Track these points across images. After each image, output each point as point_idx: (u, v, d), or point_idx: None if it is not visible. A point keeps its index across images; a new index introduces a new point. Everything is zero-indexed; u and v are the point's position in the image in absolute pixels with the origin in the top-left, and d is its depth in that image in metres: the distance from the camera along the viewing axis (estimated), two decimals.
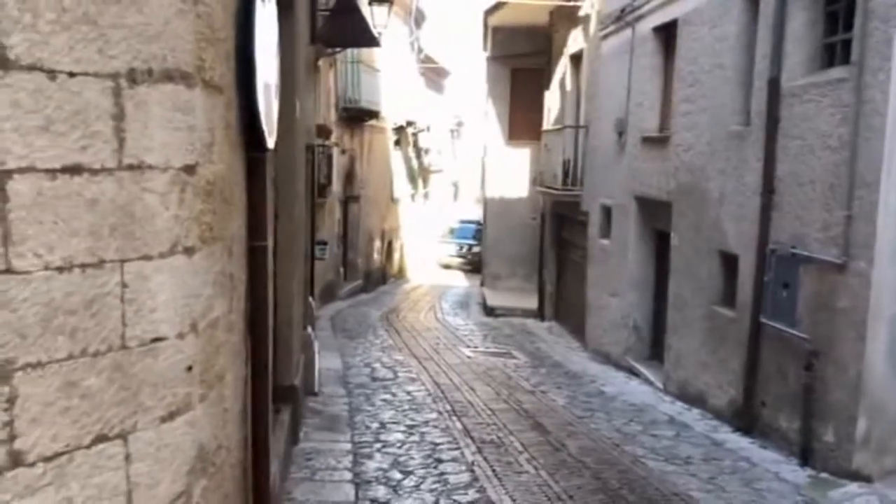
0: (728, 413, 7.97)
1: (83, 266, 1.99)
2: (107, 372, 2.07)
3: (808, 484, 6.00)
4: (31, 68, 1.85)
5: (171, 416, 2.25)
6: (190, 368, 2.32)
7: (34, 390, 1.92)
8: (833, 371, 6.17)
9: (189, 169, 2.26)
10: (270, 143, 3.14)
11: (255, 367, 3.22)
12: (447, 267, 29.05)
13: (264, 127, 2.95)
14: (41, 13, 1.85)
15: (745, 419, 7.55)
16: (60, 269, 1.95)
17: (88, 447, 2.05)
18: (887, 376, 5.71)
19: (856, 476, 5.82)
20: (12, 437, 1.89)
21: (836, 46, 6.63)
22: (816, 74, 6.73)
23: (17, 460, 1.91)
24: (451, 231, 31.31)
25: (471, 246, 28.83)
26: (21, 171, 1.85)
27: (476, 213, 30.61)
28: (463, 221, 31.49)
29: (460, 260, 29.29)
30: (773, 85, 7.18)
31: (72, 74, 1.93)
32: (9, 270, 1.86)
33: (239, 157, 2.88)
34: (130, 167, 2.08)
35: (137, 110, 2.08)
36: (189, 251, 2.29)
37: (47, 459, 1.97)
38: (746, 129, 7.79)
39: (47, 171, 1.90)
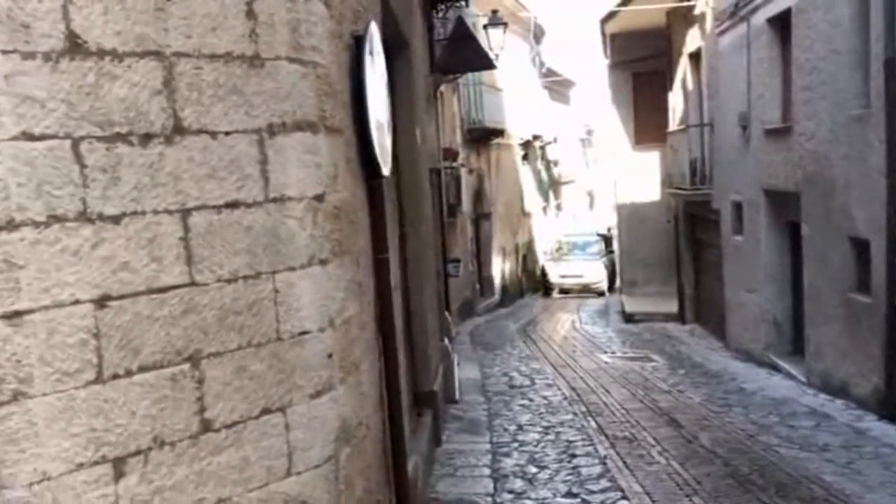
0: (872, 401, 7.77)
1: (245, 277, 2.61)
2: (267, 359, 2.67)
3: None
4: (200, 132, 2.49)
5: (318, 394, 2.82)
6: (330, 356, 2.89)
7: (216, 373, 2.54)
8: None
9: (319, 197, 2.84)
10: (385, 171, 3.71)
11: (386, 359, 3.78)
12: (565, 292, 23.93)
13: (379, 158, 3.52)
14: (204, 91, 2.49)
15: (890, 406, 7.37)
16: (229, 281, 2.57)
17: (257, 417, 2.65)
18: None
19: None
20: (203, 409, 2.52)
21: None
22: None
23: (207, 427, 2.53)
24: (562, 247, 25.98)
25: (606, 260, 24.59)
26: (197, 208, 2.49)
27: (610, 221, 29.62)
28: (584, 234, 27.28)
29: (578, 281, 23.99)
30: (890, 65, 7.07)
31: (227, 133, 2.56)
32: (193, 283, 2.49)
33: (360, 185, 3.47)
34: (275, 200, 2.68)
35: (277, 155, 2.68)
36: (324, 262, 2.86)
37: (228, 427, 2.58)
38: (867, 112, 7.66)
39: (214, 207, 2.53)
